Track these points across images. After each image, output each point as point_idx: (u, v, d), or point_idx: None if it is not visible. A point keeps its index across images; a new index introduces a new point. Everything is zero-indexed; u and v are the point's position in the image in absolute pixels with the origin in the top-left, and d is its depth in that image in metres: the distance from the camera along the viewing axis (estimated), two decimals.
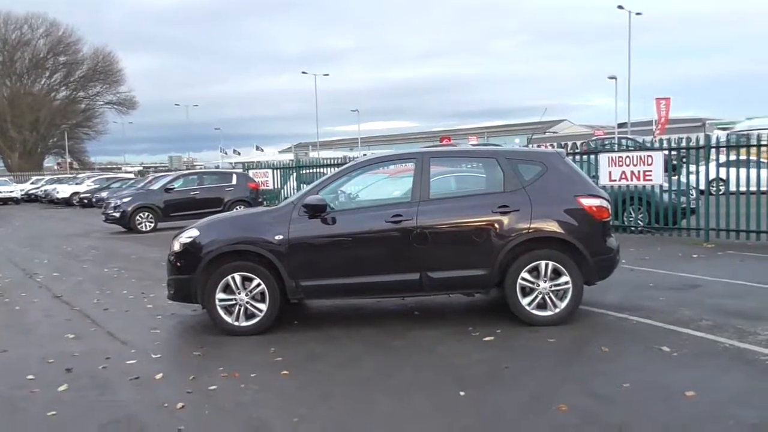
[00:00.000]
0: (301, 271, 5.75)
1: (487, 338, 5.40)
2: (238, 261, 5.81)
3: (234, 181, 18.78)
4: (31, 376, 4.78)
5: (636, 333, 5.41)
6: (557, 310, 5.68)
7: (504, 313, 5.91)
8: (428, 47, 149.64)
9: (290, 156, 49.00)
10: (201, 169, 37.39)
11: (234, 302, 5.79)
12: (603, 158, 12.35)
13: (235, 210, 7.43)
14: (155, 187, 18.57)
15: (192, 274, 5.83)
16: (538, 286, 5.68)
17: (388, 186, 6.47)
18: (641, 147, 13.22)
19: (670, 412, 3.76)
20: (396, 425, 3.76)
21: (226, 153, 64.91)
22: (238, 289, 5.78)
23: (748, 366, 4.50)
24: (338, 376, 4.66)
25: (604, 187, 12.10)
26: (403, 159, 6.19)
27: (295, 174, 19.92)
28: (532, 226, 5.68)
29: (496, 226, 5.70)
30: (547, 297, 5.68)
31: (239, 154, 62.85)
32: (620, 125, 64.15)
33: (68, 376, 4.81)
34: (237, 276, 5.78)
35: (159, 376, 4.71)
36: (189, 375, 4.71)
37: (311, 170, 19.28)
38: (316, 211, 5.72)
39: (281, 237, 5.76)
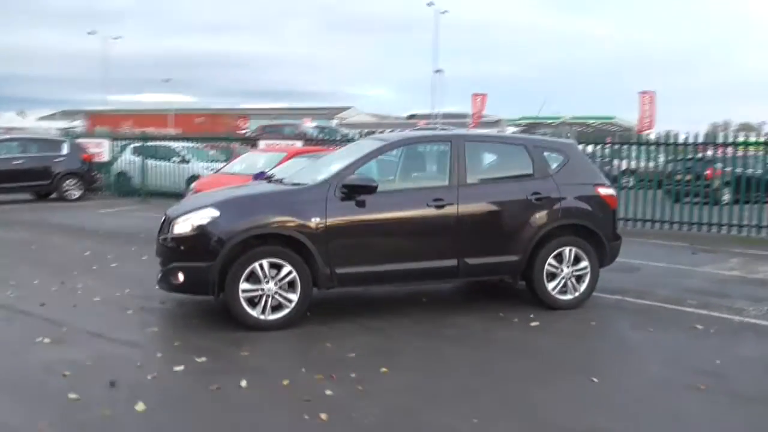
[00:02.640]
0: (337, 257, 5.25)
1: (532, 324, 5.46)
2: (267, 246, 5.13)
3: (65, 151, 16.40)
4: (73, 395, 3.76)
5: (652, 313, 5.84)
6: (577, 294, 5.92)
7: (509, 298, 6.09)
8: (215, 20, 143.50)
9: (55, 123, 44.32)
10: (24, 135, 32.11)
11: (260, 293, 5.11)
12: None
13: (242, 186, 6.46)
14: None
15: (211, 261, 5.01)
16: (562, 271, 5.86)
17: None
18: None
19: None
20: (582, 414, 3.65)
21: None
22: (266, 277, 5.11)
23: None
24: (438, 369, 4.38)
25: None
26: (438, 140, 5.93)
27: (132, 146, 17.94)
28: (561, 213, 5.84)
29: (530, 212, 5.76)
30: (569, 282, 5.89)
31: None
32: (410, 116, 67.79)
33: (128, 391, 3.86)
34: (265, 263, 5.10)
35: (244, 383, 3.99)
36: (277, 380, 4.06)
37: (157, 143, 17.53)
38: (364, 192, 5.26)
39: (318, 219, 5.21)
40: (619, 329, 5.38)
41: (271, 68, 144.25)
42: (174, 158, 16.96)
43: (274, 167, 11.07)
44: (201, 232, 5.07)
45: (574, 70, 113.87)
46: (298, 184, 5.55)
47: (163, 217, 5.71)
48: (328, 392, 3.87)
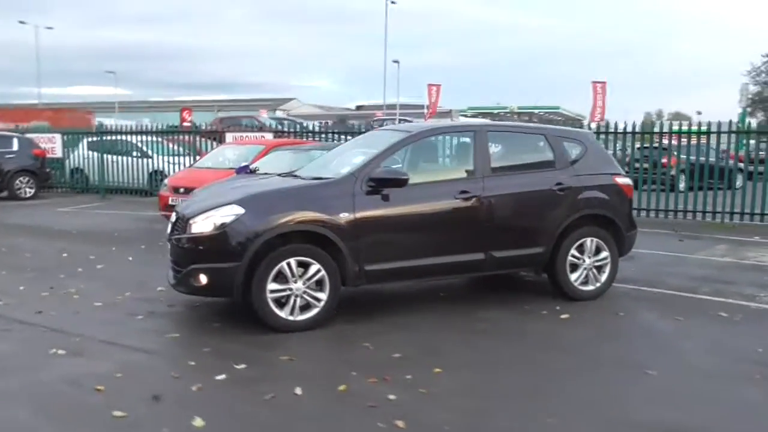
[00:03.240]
0: (366, 253, 5.04)
1: (562, 316, 5.38)
2: (294, 243, 4.88)
3: (15, 147, 15.51)
4: (119, 413, 3.43)
5: (671, 302, 5.87)
6: (598, 285, 5.89)
7: (526, 290, 6.02)
8: (150, 10, 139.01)
9: None
10: None
11: (288, 293, 4.85)
12: None
13: (259, 180, 6.08)
14: None
15: (237, 261, 4.72)
16: (584, 262, 5.82)
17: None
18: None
19: None
20: (653, 409, 3.57)
21: None
22: (294, 276, 4.85)
23: None
24: (489, 367, 4.24)
25: None
26: (461, 131, 5.76)
27: (86, 141, 17.08)
28: (583, 204, 5.78)
29: (554, 203, 5.68)
30: (590, 272, 5.85)
31: None
32: (358, 107, 67.39)
33: (176, 406, 3.57)
34: (293, 261, 4.85)
35: (299, 391, 3.74)
36: (331, 386, 3.84)
37: (115, 137, 16.74)
38: (393, 185, 5.06)
39: (347, 214, 4.98)
40: (648, 320, 5.36)
41: (211, 59, 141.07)
42: (134, 153, 16.26)
43: (253, 161, 10.72)
44: (225, 230, 4.77)
45: (516, 61, 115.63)
46: (321, 179, 5.29)
47: (174, 216, 5.36)
48: (391, 396, 3.68)
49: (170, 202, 10.45)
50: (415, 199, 5.21)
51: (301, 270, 4.88)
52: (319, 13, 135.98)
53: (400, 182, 5.02)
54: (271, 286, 4.80)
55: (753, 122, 34.58)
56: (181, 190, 10.44)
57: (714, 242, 9.23)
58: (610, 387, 3.95)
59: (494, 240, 5.47)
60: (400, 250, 5.20)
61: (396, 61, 38.49)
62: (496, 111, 56.06)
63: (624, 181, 6.08)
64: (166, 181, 11.31)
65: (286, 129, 19.65)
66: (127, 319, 5.28)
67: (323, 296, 4.94)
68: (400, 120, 25.61)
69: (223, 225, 4.78)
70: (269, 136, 15.16)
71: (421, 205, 5.24)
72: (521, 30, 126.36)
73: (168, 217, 10.80)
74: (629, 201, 6.15)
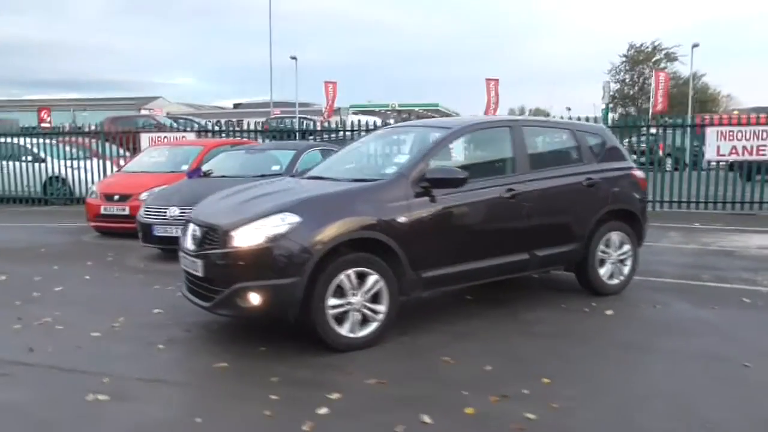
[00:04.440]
0: (422, 259, 4.67)
1: (607, 312, 5.31)
2: (354, 253, 4.41)
3: None
4: None
5: (689, 291, 6.00)
6: (622, 278, 5.90)
7: (547, 287, 5.97)
8: None
9: None
10: None
11: (347, 308, 4.38)
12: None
13: (304, 182, 5.33)
14: None
15: (297, 276, 4.18)
16: (610, 256, 5.80)
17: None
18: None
19: None
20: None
21: None
22: (353, 289, 4.39)
23: None
24: (589, 374, 4.04)
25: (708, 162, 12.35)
26: (498, 126, 5.47)
27: None
28: (610, 198, 5.75)
29: (586, 199, 5.60)
30: (615, 266, 5.85)
31: None
32: (236, 105, 65.22)
33: None
34: (352, 273, 4.38)
35: (427, 419, 3.33)
36: (456, 409, 3.46)
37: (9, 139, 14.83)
38: (449, 185, 4.71)
39: (403, 218, 4.58)
40: (687, 310, 5.40)
41: (65, 55, 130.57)
42: (25, 156, 14.49)
43: (194, 163, 9.91)
44: (280, 242, 4.19)
45: (387, 60, 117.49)
46: (366, 180, 4.82)
47: (194, 229, 4.66)
48: (530, 416, 3.36)
49: (102, 211, 9.42)
50: (463, 199, 4.90)
51: (358, 281, 4.42)
52: (181, 10, 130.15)
53: (458, 182, 4.69)
54: (331, 301, 4.31)
55: (615, 117, 37.44)
56: (116, 197, 9.45)
57: (663, 230, 9.68)
58: (730, 384, 3.84)
59: (537, 238, 5.30)
60: (453, 253, 4.87)
61: (294, 58, 37.39)
62: (377, 109, 56.52)
63: (640, 174, 6.14)
64: (94, 187, 10.15)
65: (183, 128, 18.50)
66: (148, 349, 4.54)
67: (382, 308, 4.51)
68: (300, 119, 24.92)
69: (276, 236, 4.20)
70: (191, 136, 14.11)
71: (470, 205, 4.94)
72: (402, 29, 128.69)
73: (101, 228, 9.73)
74: (645, 194, 6.21)
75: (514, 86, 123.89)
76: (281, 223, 4.23)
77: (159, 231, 7.62)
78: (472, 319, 5.14)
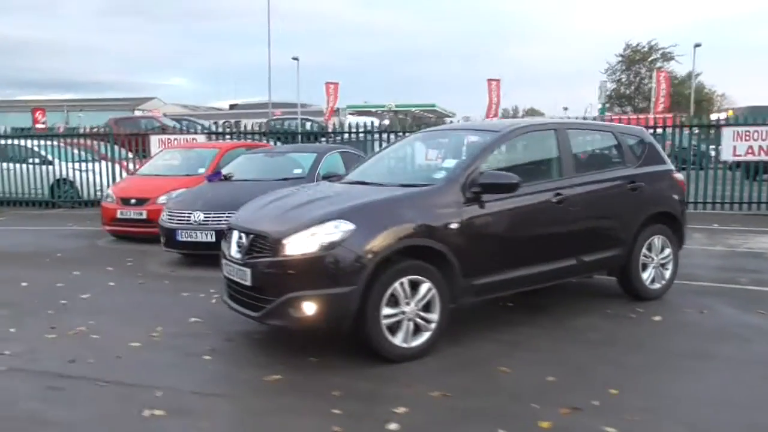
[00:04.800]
0: (474, 266, 4.56)
1: (655, 318, 5.22)
2: (409, 261, 4.29)
3: None
4: None
5: (729, 295, 5.91)
6: (664, 282, 5.81)
7: (580, 293, 5.94)
8: None
9: None
10: None
11: (400, 317, 4.27)
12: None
13: (346, 187, 5.21)
14: None
15: (352, 285, 4.07)
16: (652, 260, 5.71)
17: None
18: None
19: None
20: None
21: None
22: (406, 298, 4.28)
23: None
24: (653, 383, 3.94)
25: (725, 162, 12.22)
26: (544, 129, 5.37)
27: None
28: (653, 202, 5.66)
29: (630, 202, 5.51)
30: (657, 271, 5.76)
31: None
32: (232, 106, 64.96)
33: None
34: (406, 281, 4.27)
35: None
36: (530, 423, 3.35)
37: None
38: (503, 190, 4.60)
39: (456, 224, 4.47)
40: (735, 315, 5.31)
41: (58, 55, 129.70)
42: (33, 159, 14.30)
43: (211, 166, 9.79)
44: (335, 250, 4.07)
45: (383, 61, 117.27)
46: (414, 185, 4.70)
47: (240, 236, 4.54)
48: (609, 429, 3.26)
49: (119, 215, 9.28)
50: (512, 205, 4.79)
51: (411, 290, 4.31)
52: (174, 11, 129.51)
53: (511, 187, 4.58)
54: (385, 311, 4.19)
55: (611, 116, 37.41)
56: (133, 201, 9.31)
57: (713, 232, 9.60)
58: None
59: (583, 243, 5.20)
60: (503, 260, 4.77)
61: (296, 59, 37.01)
62: (374, 109, 56.36)
63: (680, 176, 6.06)
64: (109, 190, 9.99)
65: (186, 129, 18.34)
66: (192, 361, 4.41)
67: (434, 317, 4.40)
68: (302, 120, 24.76)
69: (332, 244, 4.08)
70: (201, 138, 13.95)
71: (519, 210, 4.83)
72: (398, 29, 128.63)
73: (117, 233, 9.56)
74: (684, 196, 6.13)
75: (510, 86, 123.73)
76: (335, 231, 4.11)
77: (182, 236, 7.47)
78: (519, 327, 5.03)
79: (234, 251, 4.56)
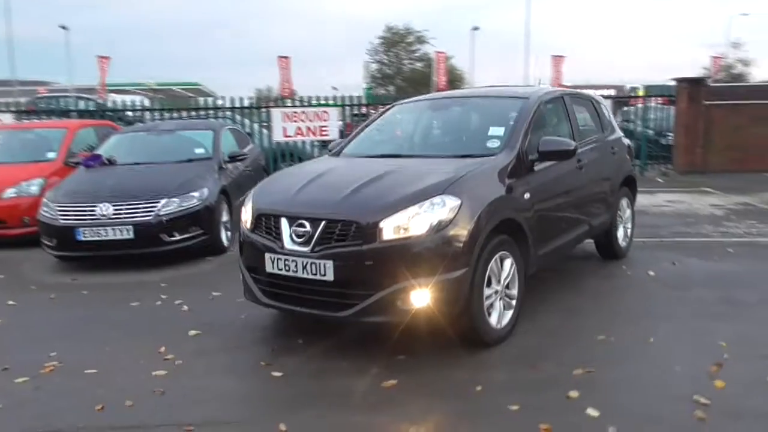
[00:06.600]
0: (539, 236, 4.38)
1: (649, 272, 5.54)
2: (500, 236, 3.94)
3: None
4: None
5: (688, 247, 6.54)
6: (627, 240, 6.22)
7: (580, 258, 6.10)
8: None
9: None
10: None
11: (492, 297, 3.94)
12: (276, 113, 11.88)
13: (394, 160, 4.27)
14: None
15: (465, 267, 3.62)
16: (622, 220, 6.06)
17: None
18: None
19: None
20: None
21: None
22: (498, 276, 3.96)
23: None
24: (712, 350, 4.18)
25: (278, 144, 11.89)
26: (557, 96, 5.18)
27: None
28: (626, 167, 6.00)
29: (614, 167, 5.76)
30: (624, 230, 6.13)
31: None
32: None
33: None
34: (498, 257, 3.94)
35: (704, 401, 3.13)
36: (642, 420, 3.32)
37: None
38: (562, 157, 4.45)
39: (528, 195, 4.23)
40: (702, 264, 5.86)
41: None
42: None
43: (62, 148, 8.18)
44: (446, 229, 3.57)
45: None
46: (474, 155, 4.29)
47: (301, 223, 3.75)
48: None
49: None
50: (555, 172, 4.66)
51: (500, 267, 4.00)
52: None
53: (570, 153, 4.46)
54: (486, 291, 3.83)
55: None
56: None
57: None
58: None
59: (593, 208, 5.32)
60: (555, 228, 4.68)
61: (64, 27, 31.65)
62: (133, 87, 51.65)
63: (628, 141, 6.47)
64: None
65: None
66: (254, 380, 3.60)
67: (515, 293, 4.14)
68: (78, 98, 21.71)
69: (442, 223, 3.57)
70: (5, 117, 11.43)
71: (561, 177, 4.74)
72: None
73: None
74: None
75: (245, 65, 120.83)
76: (443, 209, 3.60)
77: (85, 235, 6.04)
78: (561, 293, 4.99)
79: (290, 243, 3.77)
